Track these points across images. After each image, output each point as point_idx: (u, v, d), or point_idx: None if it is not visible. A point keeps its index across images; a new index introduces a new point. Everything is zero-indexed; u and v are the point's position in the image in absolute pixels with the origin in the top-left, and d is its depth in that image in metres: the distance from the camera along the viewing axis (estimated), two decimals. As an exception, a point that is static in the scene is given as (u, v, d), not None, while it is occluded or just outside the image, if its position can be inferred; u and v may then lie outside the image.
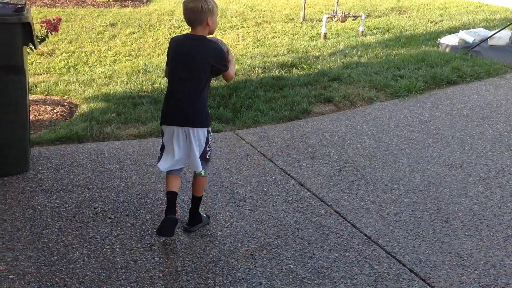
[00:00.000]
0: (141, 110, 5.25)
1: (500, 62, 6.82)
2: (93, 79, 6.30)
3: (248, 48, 8.05)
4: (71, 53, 7.70)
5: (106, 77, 6.39)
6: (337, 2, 9.41)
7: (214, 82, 6.14)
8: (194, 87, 3.08)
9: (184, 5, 3.07)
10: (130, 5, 11.14)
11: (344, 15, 8.91)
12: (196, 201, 3.31)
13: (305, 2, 9.87)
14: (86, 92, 5.77)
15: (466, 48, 7.31)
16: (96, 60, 7.41)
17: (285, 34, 8.90)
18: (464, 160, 4.31)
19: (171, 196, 3.10)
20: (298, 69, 6.85)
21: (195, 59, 3.07)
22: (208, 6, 3.05)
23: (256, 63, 6.96)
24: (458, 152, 4.47)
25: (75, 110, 5.32)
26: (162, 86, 6.00)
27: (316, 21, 9.69)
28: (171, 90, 3.15)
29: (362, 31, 8.62)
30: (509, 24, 7.93)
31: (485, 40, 7.31)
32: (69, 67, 7.07)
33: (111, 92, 5.79)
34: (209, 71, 3.10)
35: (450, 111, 5.46)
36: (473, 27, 8.55)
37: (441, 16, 9.82)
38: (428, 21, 9.44)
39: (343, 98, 5.83)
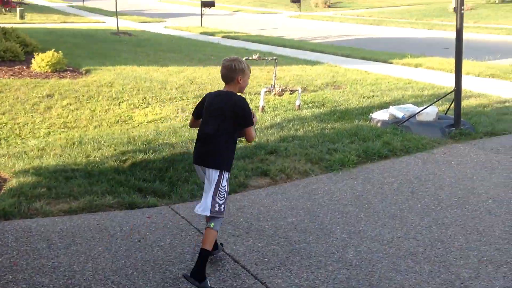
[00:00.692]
0: (73, 184, 5.13)
1: (427, 137, 7.14)
2: (25, 152, 6.14)
3: (187, 120, 8.11)
4: (3, 124, 7.51)
5: (38, 150, 6.24)
6: (275, 77, 9.70)
7: (151, 155, 6.13)
8: (220, 135, 3.57)
9: (222, 63, 3.67)
10: (69, 76, 11.09)
11: (282, 89, 9.17)
12: (201, 252, 3.42)
13: (244, 76, 10.12)
14: (16, 165, 5.60)
15: (396, 123, 7.64)
16: (29, 132, 7.24)
17: (223, 107, 9.03)
18: (395, 235, 4.41)
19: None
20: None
21: (222, 110, 3.58)
22: (240, 66, 3.63)
23: (195, 135, 6.99)
24: (389, 226, 4.57)
25: (3, 185, 5.14)
26: (97, 159, 5.91)
27: (254, 95, 9.92)
28: (200, 135, 3.69)
29: (299, 105, 8.88)
30: (436, 101, 8.37)
31: (413, 115, 7.67)
32: None
33: (43, 165, 5.65)
34: (232, 122, 3.57)
35: (381, 185, 5.62)
36: (403, 103, 8.97)
37: (373, 91, 10.27)
38: (361, 96, 9.85)
39: (279, 171, 5.91)
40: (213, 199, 3.50)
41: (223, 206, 3.55)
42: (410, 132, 7.32)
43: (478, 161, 6.34)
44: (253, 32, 25.65)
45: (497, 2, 34.64)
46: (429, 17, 31.01)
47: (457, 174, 5.90)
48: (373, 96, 9.89)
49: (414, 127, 7.47)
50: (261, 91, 8.91)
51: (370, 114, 8.23)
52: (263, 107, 8.68)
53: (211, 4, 28.95)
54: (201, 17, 28.11)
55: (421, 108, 7.82)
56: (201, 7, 28.26)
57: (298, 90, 9.01)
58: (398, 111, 7.85)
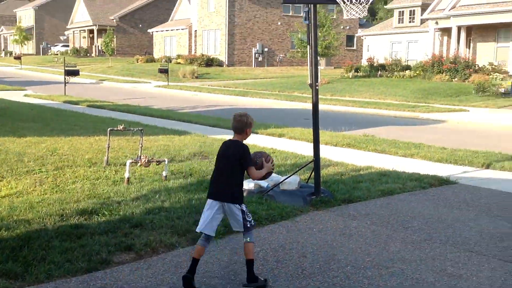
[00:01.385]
0: None
1: (290, 205, 7.39)
2: None
3: (46, 194, 7.69)
4: None
5: None
6: (141, 147, 9.60)
7: (4, 233, 5.68)
8: (228, 174, 4.80)
9: (234, 117, 4.86)
10: None
11: (148, 160, 9.07)
12: (247, 262, 4.84)
13: (109, 146, 9.90)
14: None
15: (261, 192, 7.84)
16: None
17: (87, 178, 8.72)
18: (260, 306, 4.42)
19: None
20: (99, 215, 6.67)
21: (229, 154, 4.81)
22: (249, 121, 4.84)
23: (53, 210, 6.65)
24: (255, 297, 4.59)
25: None
26: None
27: (120, 165, 9.71)
28: (214, 175, 4.94)
29: (166, 176, 8.82)
30: (298, 170, 8.76)
31: (277, 184, 7.94)
32: None
33: None
34: (238, 163, 4.78)
35: (247, 255, 5.66)
36: (267, 172, 9.27)
37: (239, 161, 10.53)
38: (228, 165, 10.04)
39: (144, 245, 5.75)
40: (244, 219, 4.77)
41: (252, 221, 4.89)
42: (274, 201, 7.54)
43: (337, 228, 6.66)
44: (120, 101, 25.40)
45: (350, 77, 37.69)
46: (290, 89, 32.84)
47: (319, 241, 6.14)
48: (239, 165, 10.10)
49: (278, 196, 7.71)
50: (126, 162, 8.75)
51: (236, 183, 8.37)
52: (128, 179, 8.50)
53: (76, 73, 28.36)
54: (65, 85, 27.36)
55: (284, 177, 8.13)
56: (65, 75, 27.55)
57: (165, 161, 8.97)
58: (262, 181, 8.08)
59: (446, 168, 10.38)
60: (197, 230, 4.91)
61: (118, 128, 9.76)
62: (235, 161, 4.76)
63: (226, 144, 4.93)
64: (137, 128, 9.97)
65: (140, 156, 9.19)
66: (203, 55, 50.44)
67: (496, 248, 6.01)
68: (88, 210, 6.80)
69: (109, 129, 9.81)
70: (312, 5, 7.86)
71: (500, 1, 33.54)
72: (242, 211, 4.77)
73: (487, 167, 10.51)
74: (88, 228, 6.11)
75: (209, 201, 4.86)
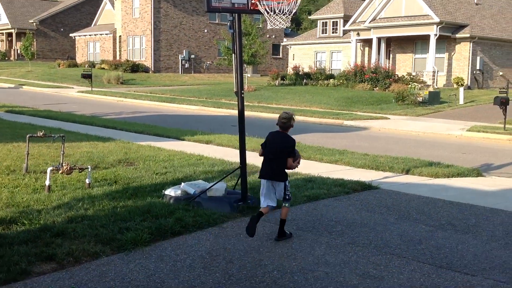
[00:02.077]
0: None
1: (218, 212, 7.39)
2: None
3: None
4: None
5: None
6: (62, 154, 9.29)
7: None
8: (277, 162, 6.41)
9: (280, 116, 6.47)
10: None
11: (70, 167, 8.79)
12: (281, 221, 6.50)
13: (28, 153, 9.52)
14: None
15: (188, 199, 7.79)
16: None
17: (5, 187, 8.34)
18: (188, 313, 4.39)
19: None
20: (18, 225, 6.40)
21: (280, 144, 6.41)
22: (292, 117, 6.48)
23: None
24: (182, 305, 4.54)
25: None
26: None
27: (40, 173, 9.35)
28: (264, 162, 6.56)
29: (89, 183, 8.58)
30: (225, 177, 8.77)
31: (204, 191, 7.91)
32: None
33: None
34: (286, 152, 6.39)
35: (174, 262, 5.61)
36: (194, 179, 9.21)
37: (165, 168, 10.39)
38: (154, 172, 9.89)
39: (66, 255, 5.57)
40: (285, 193, 6.47)
41: (290, 194, 6.63)
42: (201, 208, 7.51)
43: (264, 233, 6.72)
44: (41, 107, 24.48)
45: (277, 85, 38.24)
46: (218, 96, 32.88)
47: (246, 247, 6.17)
48: (166, 172, 10.00)
49: (205, 203, 7.68)
50: (47, 169, 8.44)
51: (163, 191, 8.28)
52: (49, 186, 8.20)
53: (-7, 77, 27.08)
54: (-19, 89, 26.06)
55: (211, 184, 8.12)
56: (-19, 79, 26.25)
57: (88, 168, 8.73)
58: (189, 188, 8.04)
59: (368, 174, 10.72)
60: (261, 206, 6.51)
61: (38, 135, 9.40)
62: (285, 150, 6.38)
63: (275, 135, 6.53)
64: (58, 135, 9.64)
65: (62, 163, 8.90)
66: (128, 60, 49.54)
67: (415, 250, 6.26)
68: (6, 219, 6.50)
69: (28, 135, 9.44)
70: (236, 14, 7.92)
71: (417, 15, 35.16)
72: (285, 186, 6.49)
73: (407, 172, 10.95)
74: (7, 238, 5.84)
75: (263, 181, 6.54)
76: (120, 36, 53.14)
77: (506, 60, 37.37)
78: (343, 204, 8.33)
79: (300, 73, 39.26)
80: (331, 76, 38.10)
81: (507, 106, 19.07)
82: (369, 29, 37.83)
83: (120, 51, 53.32)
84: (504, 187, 10.02)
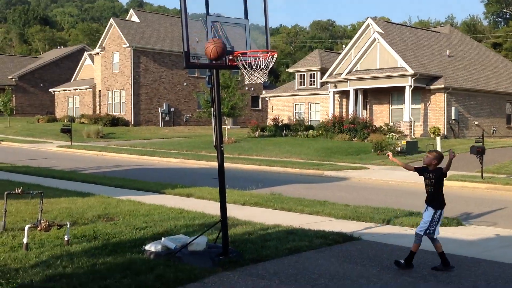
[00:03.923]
0: None
1: (199, 267, 7.29)
2: None
3: None
4: None
5: None
6: (41, 211, 9.16)
7: None
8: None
9: (432, 154, 7.66)
10: None
11: (49, 224, 8.66)
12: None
13: (6, 210, 9.37)
14: None
15: (168, 254, 7.69)
16: None
17: (-19, 245, 8.16)
18: None
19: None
20: (-7, 285, 6.23)
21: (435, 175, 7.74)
22: (436, 160, 7.67)
23: None
24: None
25: None
26: None
27: (18, 230, 9.20)
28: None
29: (68, 240, 8.45)
30: (206, 231, 8.71)
31: (185, 246, 7.83)
32: None
33: None
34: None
35: (155, 320, 5.49)
36: (175, 233, 9.13)
37: (146, 222, 10.29)
38: (134, 227, 9.78)
39: (44, 315, 5.42)
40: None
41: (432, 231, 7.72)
42: (183, 263, 7.42)
43: (246, 288, 6.63)
44: (20, 162, 24.25)
45: (257, 136, 38.52)
46: (198, 148, 32.95)
47: (228, 303, 6.07)
48: (146, 227, 9.90)
49: (186, 258, 7.60)
50: (25, 227, 8.30)
51: (143, 246, 8.18)
52: (27, 244, 8.05)
53: (-29, 132, 26.86)
54: (-42, 146, 25.78)
55: (192, 238, 8.05)
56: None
57: (67, 225, 8.62)
58: (170, 242, 7.95)
59: (350, 225, 10.73)
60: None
61: (16, 192, 9.29)
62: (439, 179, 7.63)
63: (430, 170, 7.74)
64: (37, 191, 9.54)
65: (40, 220, 8.76)
66: (108, 114, 49.65)
67: (399, 301, 6.23)
68: (-19, 279, 6.33)
69: (6, 192, 9.32)
70: (214, 70, 8.07)
71: (391, 67, 36.09)
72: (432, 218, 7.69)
73: (388, 223, 10.99)
74: (-19, 300, 5.68)
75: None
76: (100, 90, 53.44)
77: (480, 110, 38.30)
78: (325, 256, 8.29)
79: (280, 124, 39.68)
80: (310, 127, 38.54)
81: (483, 155, 19.42)
82: (346, 81, 38.65)
83: (100, 105, 53.49)
84: (484, 236, 10.10)
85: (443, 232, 10.21)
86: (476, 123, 37.28)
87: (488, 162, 22.10)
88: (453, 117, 35.90)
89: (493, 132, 38.44)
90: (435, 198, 7.67)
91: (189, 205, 12.70)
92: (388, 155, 8.57)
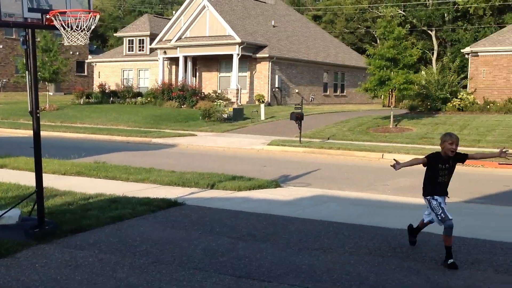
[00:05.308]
0: None
1: (11, 240, 6.82)
2: None
3: None
4: None
5: None
6: None
7: None
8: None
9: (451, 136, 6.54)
10: None
11: None
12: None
13: None
14: None
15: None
16: None
17: None
18: None
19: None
20: None
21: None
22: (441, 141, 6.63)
23: None
24: None
25: None
26: None
27: None
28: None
29: None
30: (19, 203, 8.15)
31: (-5, 220, 7.25)
32: None
33: None
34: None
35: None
36: (-15, 207, 8.42)
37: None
38: None
39: None
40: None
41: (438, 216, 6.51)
42: (-10, 238, 6.87)
43: (63, 260, 6.36)
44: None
45: (82, 103, 36.84)
46: (15, 116, 30.60)
47: (42, 277, 5.78)
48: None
49: (-5, 232, 7.05)
50: None
51: None
52: None
53: None
54: None
55: (3, 211, 7.48)
56: None
57: None
58: (-23, 217, 7.30)
59: (175, 191, 10.80)
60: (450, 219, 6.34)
61: None
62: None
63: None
64: None
65: None
66: None
67: (218, 263, 6.44)
68: None
69: None
70: (30, 29, 7.47)
71: (220, 35, 36.65)
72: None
73: (212, 187, 11.26)
74: None
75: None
76: None
77: (300, 79, 40.69)
78: (148, 222, 8.26)
79: (107, 91, 38.38)
80: (139, 94, 37.85)
81: (302, 121, 20.74)
82: (175, 47, 38.43)
83: None
84: (298, 196, 10.83)
85: (261, 194, 10.77)
86: (296, 91, 39.58)
87: (306, 127, 23.64)
88: (276, 85, 37.68)
89: (311, 99, 41.14)
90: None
91: (3, 176, 11.78)
92: (394, 166, 6.51)
